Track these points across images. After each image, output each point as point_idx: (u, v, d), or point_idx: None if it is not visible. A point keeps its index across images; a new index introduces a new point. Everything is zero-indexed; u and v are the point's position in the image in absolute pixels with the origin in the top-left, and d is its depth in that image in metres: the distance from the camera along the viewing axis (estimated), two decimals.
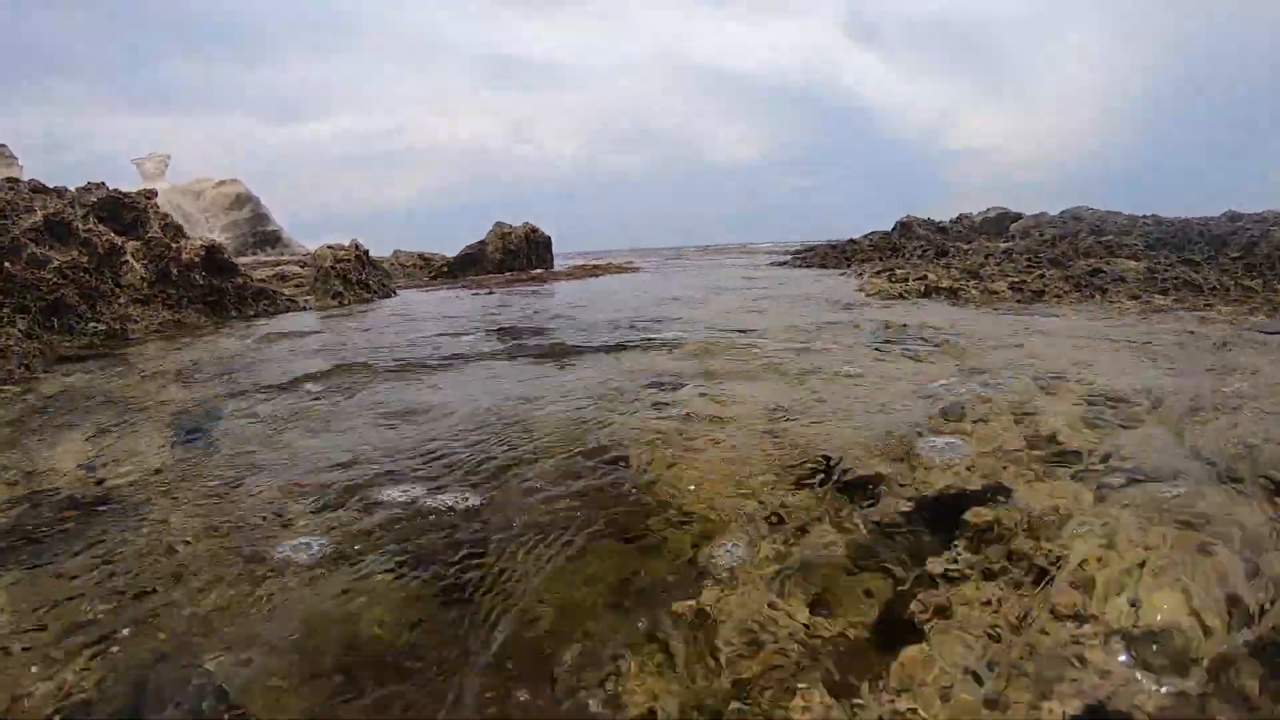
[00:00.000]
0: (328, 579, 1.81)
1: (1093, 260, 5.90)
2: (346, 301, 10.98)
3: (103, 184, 8.47)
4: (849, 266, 12.43)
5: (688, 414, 2.87)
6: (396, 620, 1.64)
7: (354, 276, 11.67)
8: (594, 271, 15.86)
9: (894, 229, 13.48)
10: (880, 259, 11.98)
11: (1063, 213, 14.79)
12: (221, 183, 55.45)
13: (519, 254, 17.13)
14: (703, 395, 3.16)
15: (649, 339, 4.78)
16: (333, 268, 11.59)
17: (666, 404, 3.04)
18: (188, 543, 2.06)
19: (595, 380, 3.62)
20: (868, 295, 5.87)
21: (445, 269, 18.38)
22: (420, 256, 29.21)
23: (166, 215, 8.83)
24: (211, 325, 8.05)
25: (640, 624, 1.59)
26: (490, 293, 12.79)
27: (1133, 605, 1.46)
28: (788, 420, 2.75)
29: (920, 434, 2.43)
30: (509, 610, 1.66)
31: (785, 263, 14.96)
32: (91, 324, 7.18)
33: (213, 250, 8.90)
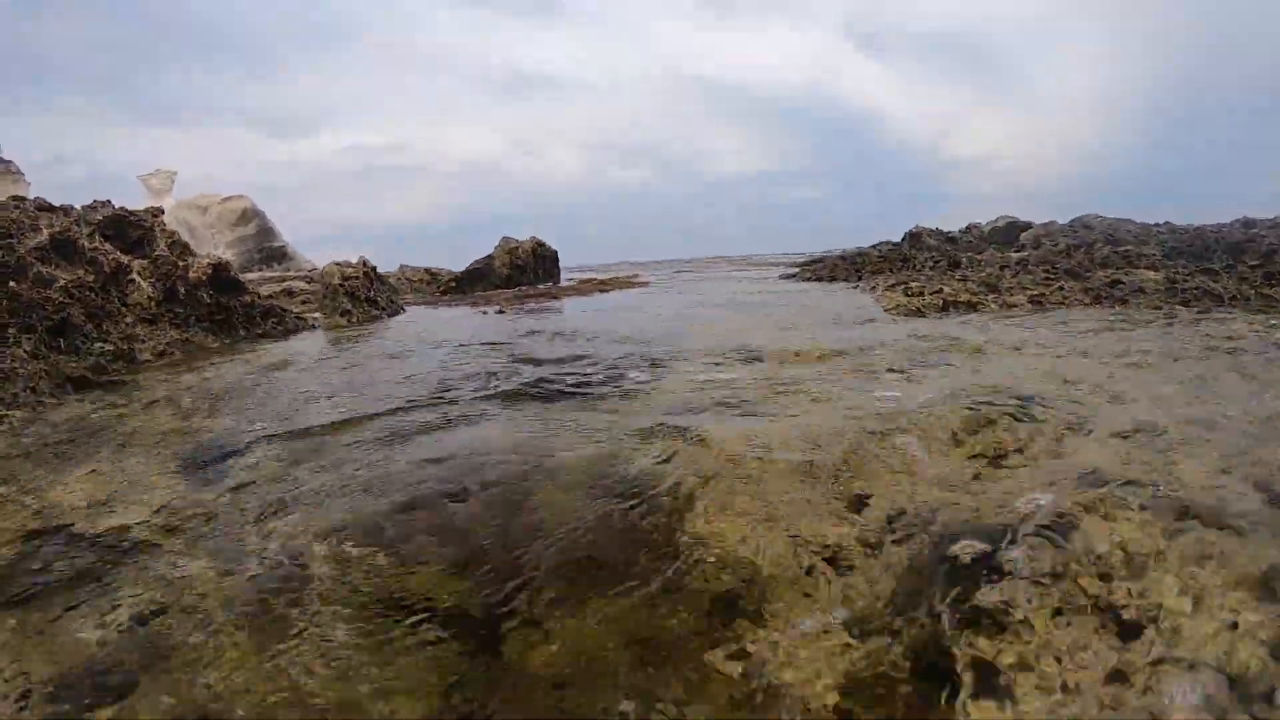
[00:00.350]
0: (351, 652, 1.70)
1: (1111, 271, 5.79)
2: (354, 319, 10.89)
3: (108, 202, 8.42)
4: (860, 279, 12.32)
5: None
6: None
7: (362, 294, 11.59)
8: (603, 286, 15.77)
9: (904, 240, 13.38)
10: (891, 270, 11.87)
11: (1073, 221, 14.69)
12: (228, 198, 55.65)
13: (526, 269, 17.07)
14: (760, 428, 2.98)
15: (680, 368, 4.52)
16: (341, 285, 11.51)
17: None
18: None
19: (628, 427, 3.23)
20: (886, 310, 5.75)
21: (453, 284, 18.31)
22: (427, 271, 29.18)
23: (173, 233, 8.77)
24: (220, 346, 7.96)
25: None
26: (500, 311, 12.70)
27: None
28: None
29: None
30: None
31: (794, 275, 14.84)
32: (98, 344, 7.09)
33: (220, 268, 8.83)
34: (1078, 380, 3.25)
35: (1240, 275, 5.88)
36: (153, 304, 8.16)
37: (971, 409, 2.71)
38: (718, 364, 4.37)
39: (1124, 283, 5.29)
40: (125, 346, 7.17)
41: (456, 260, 18.50)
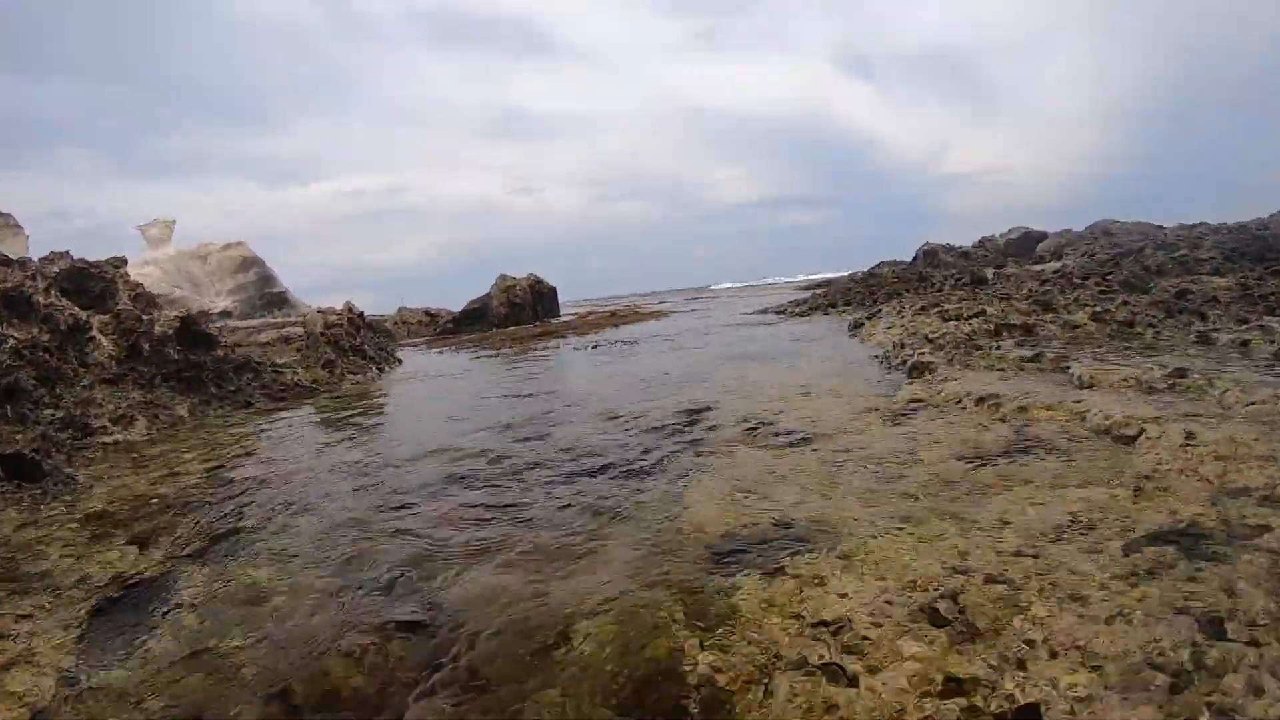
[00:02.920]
0: None
1: (1174, 280, 5.08)
2: (339, 372, 10.14)
3: (66, 253, 7.80)
4: (875, 303, 11.57)
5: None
6: None
7: (346, 343, 10.92)
8: (599, 325, 15.05)
9: (917, 257, 12.62)
10: (909, 291, 11.14)
11: (1090, 227, 13.98)
12: (227, 245, 55.60)
13: (524, 306, 16.45)
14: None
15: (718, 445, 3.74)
16: (323, 334, 10.85)
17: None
18: None
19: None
20: (930, 338, 5.02)
21: (450, 325, 17.70)
22: (426, 313, 28.75)
23: (137, 285, 8.14)
24: (190, 409, 7.23)
25: None
26: (495, 354, 12.01)
27: None
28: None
29: None
30: None
31: (805, 301, 14.05)
32: (48, 411, 6.41)
33: (189, 321, 8.18)
34: None
35: None
36: (114, 363, 7.49)
37: None
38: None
39: (1193, 292, 4.57)
40: (78, 413, 6.47)
41: (458, 298, 17.90)
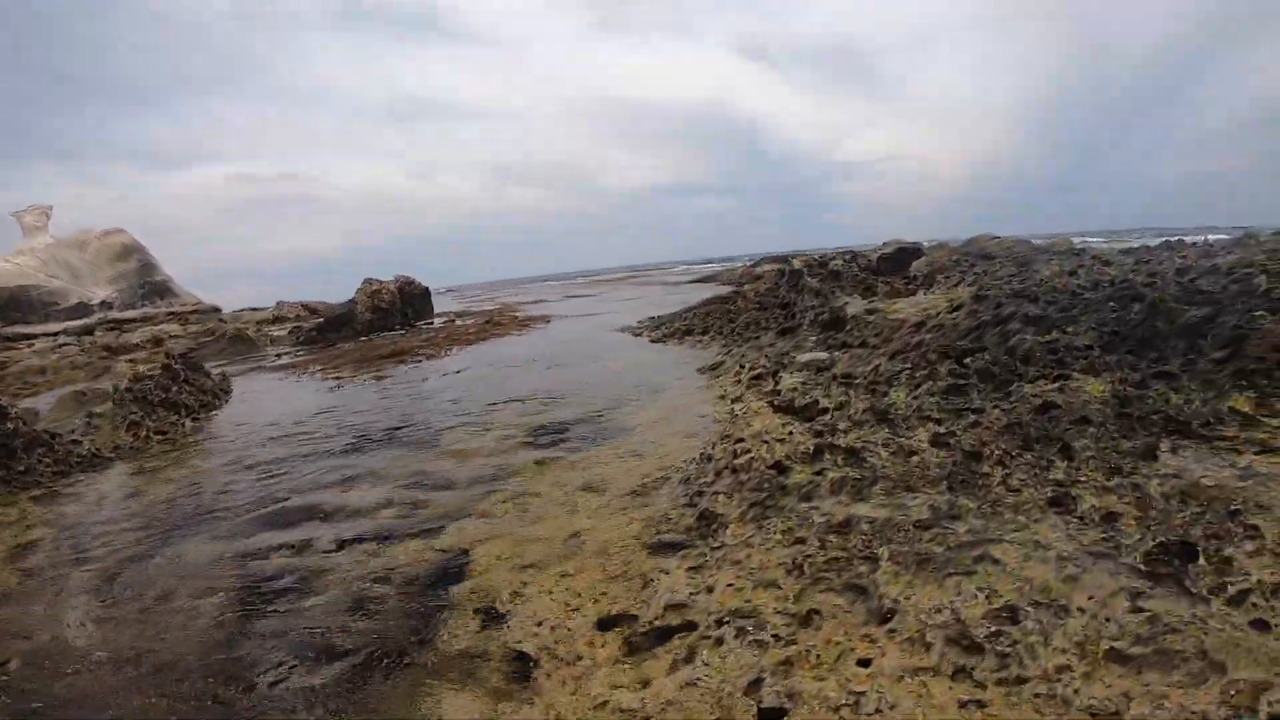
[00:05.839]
0: None
1: (1040, 383, 4.14)
2: (145, 435, 8.81)
3: None
4: (734, 331, 10.72)
5: None
6: None
7: (156, 397, 9.53)
8: (463, 338, 13.79)
9: (783, 278, 11.51)
10: (766, 324, 10.21)
11: (966, 244, 13.18)
12: (107, 233, 51.59)
13: (391, 311, 15.11)
14: None
15: None
16: (129, 390, 9.42)
17: None
18: None
19: None
20: (737, 450, 4.13)
21: (314, 333, 16.21)
22: (304, 307, 26.89)
23: None
24: None
25: None
26: (337, 386, 10.75)
27: None
28: None
29: None
30: None
31: (673, 320, 12.90)
32: None
33: None
34: None
35: (1204, 375, 3.92)
36: None
37: None
38: None
39: (1059, 406, 3.76)
40: None
41: (349, 291, 16.47)
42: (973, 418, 3.91)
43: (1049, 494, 3.25)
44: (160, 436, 8.90)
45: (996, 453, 3.62)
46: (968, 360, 4.61)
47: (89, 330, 35.48)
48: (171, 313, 45.70)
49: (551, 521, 4.21)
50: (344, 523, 4.75)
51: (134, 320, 42.43)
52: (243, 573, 4.12)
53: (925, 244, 14.01)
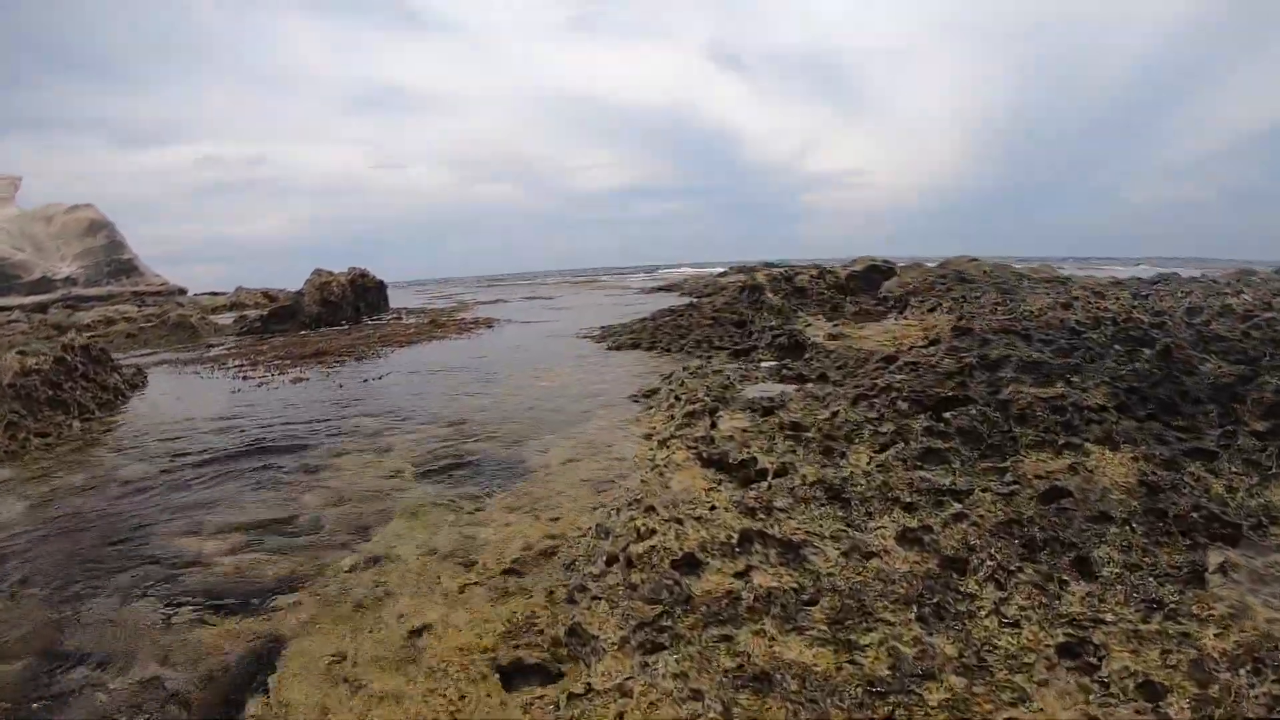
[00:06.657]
0: None
1: (1043, 454, 3.14)
2: (24, 438, 7.74)
3: None
4: (684, 344, 9.78)
5: None
6: None
7: (43, 394, 8.45)
8: (403, 338, 12.72)
9: (744, 293, 10.52)
10: (720, 343, 9.26)
11: (943, 265, 12.15)
12: (74, 207, 50.11)
13: (342, 305, 14.06)
14: None
15: None
16: (11, 386, 8.34)
17: None
18: None
19: None
20: (662, 521, 3.18)
21: (258, 324, 15.11)
22: (264, 294, 25.82)
23: None
24: None
25: None
26: (249, 388, 9.66)
27: None
28: None
29: None
30: None
31: (623, 331, 11.91)
32: None
33: None
34: None
35: (1242, 452, 3.07)
36: None
37: None
38: None
39: (1070, 494, 2.83)
40: None
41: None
42: (956, 507, 2.94)
43: (1060, 638, 2.29)
44: (41, 440, 7.84)
45: (988, 563, 2.65)
46: (948, 415, 3.64)
47: (43, 308, 34.09)
48: (136, 292, 44.32)
49: (400, 602, 3.23)
50: (170, 578, 3.75)
51: (93, 299, 41.08)
52: None
53: (899, 262, 12.92)
